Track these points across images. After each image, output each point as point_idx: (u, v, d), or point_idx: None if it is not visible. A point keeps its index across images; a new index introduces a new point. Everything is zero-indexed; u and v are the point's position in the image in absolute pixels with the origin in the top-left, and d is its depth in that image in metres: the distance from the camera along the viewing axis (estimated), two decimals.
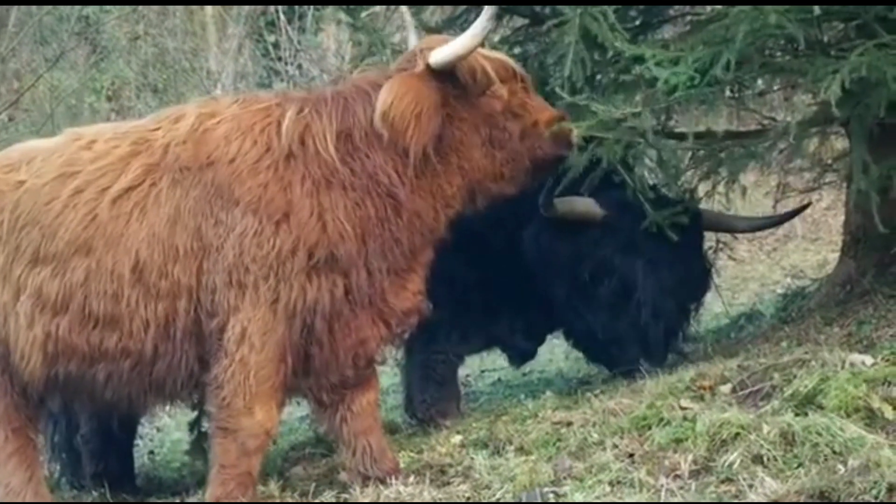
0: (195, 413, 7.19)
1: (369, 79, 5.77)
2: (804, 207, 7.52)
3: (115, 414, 6.60)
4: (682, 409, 5.69)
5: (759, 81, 7.47)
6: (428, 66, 5.56)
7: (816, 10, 5.83)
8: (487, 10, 5.54)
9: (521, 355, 7.90)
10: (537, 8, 7.18)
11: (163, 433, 9.62)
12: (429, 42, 5.80)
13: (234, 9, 22.38)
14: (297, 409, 8.44)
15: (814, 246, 15.04)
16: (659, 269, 6.90)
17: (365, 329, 5.68)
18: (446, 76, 5.59)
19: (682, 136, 6.96)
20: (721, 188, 7.64)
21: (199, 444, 7.24)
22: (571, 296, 7.09)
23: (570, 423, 5.90)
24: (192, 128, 5.70)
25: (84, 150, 5.90)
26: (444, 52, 5.55)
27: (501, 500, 5.24)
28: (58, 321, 5.71)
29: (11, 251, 5.83)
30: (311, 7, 20.17)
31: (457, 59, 5.53)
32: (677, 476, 5.14)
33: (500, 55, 5.90)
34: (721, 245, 8.43)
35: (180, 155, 5.64)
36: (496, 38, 7.33)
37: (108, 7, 21.75)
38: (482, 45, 5.70)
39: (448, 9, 7.87)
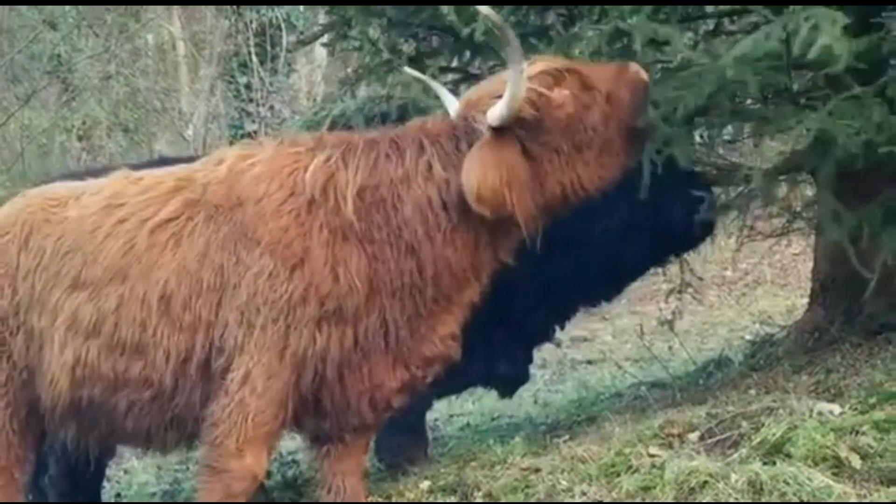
0: None
1: (410, 136, 5.66)
2: None
3: (91, 455, 6.52)
4: (651, 456, 5.67)
5: (730, 127, 7.51)
6: (491, 129, 5.39)
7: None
8: (516, 55, 5.33)
9: (510, 384, 7.84)
10: None
11: (130, 475, 9.55)
12: (472, 102, 5.62)
13: (207, 49, 22.46)
14: None
15: (783, 291, 15.11)
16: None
17: (380, 373, 5.62)
18: (512, 124, 5.39)
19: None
20: None
21: None
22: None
23: (538, 470, 5.87)
24: (230, 168, 5.72)
25: (132, 185, 5.94)
26: (499, 111, 5.35)
27: None
28: (88, 345, 5.70)
29: (51, 277, 5.84)
30: (284, 49, 20.27)
31: (513, 113, 5.33)
32: None
33: (537, 66, 5.54)
34: (689, 291, 8.45)
35: (217, 192, 5.66)
36: None
37: (80, 46, 21.78)
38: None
39: None
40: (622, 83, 5.57)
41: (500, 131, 5.36)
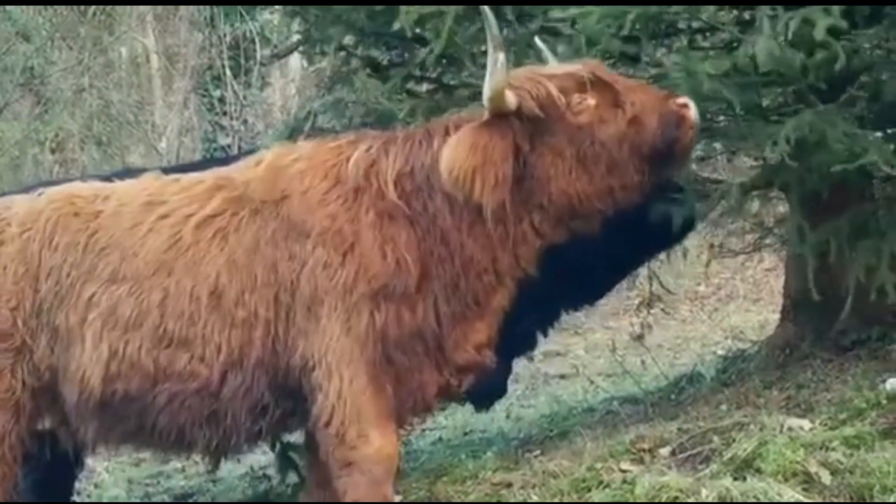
0: None
1: (441, 124, 5.73)
2: None
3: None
4: (622, 471, 5.69)
5: (701, 143, 7.53)
6: (489, 113, 5.41)
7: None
8: (491, 43, 5.34)
9: (488, 397, 7.83)
10: None
11: (101, 489, 9.51)
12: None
13: (180, 62, 22.42)
14: (237, 468, 8.37)
15: (755, 307, 15.12)
16: None
17: (424, 374, 5.62)
18: (513, 114, 5.40)
19: None
20: None
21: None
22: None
23: (510, 485, 5.88)
24: (270, 165, 5.79)
25: (170, 185, 5.97)
26: (485, 97, 5.39)
27: None
28: (127, 338, 5.66)
29: (83, 273, 5.78)
30: (258, 62, 20.26)
31: (494, 101, 5.35)
32: None
33: (575, 67, 5.57)
34: (660, 306, 8.47)
35: (259, 188, 5.71)
36: None
37: (53, 58, 21.71)
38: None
39: None
40: (655, 111, 5.48)
41: (496, 117, 5.39)
